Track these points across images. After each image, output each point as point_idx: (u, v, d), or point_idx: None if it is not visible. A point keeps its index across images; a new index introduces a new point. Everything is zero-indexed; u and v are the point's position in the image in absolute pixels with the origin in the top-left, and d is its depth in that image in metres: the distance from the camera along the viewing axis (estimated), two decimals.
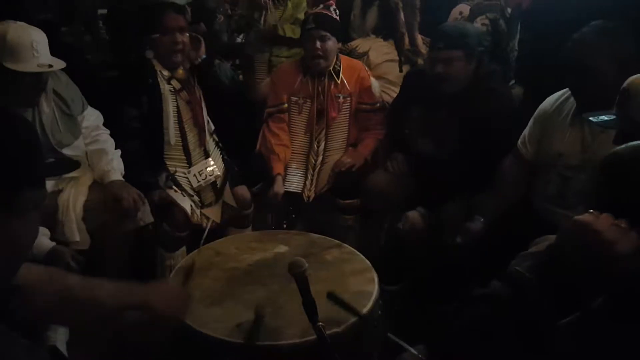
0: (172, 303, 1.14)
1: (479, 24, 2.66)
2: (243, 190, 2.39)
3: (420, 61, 2.78)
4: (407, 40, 2.81)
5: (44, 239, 1.75)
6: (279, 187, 2.39)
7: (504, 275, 1.47)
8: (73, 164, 1.92)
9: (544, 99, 1.96)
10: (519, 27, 2.86)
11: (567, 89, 1.87)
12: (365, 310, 1.43)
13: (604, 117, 1.44)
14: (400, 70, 2.76)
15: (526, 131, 1.99)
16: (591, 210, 0.88)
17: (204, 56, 2.32)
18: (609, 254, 0.84)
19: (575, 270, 0.93)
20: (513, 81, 2.67)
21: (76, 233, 1.90)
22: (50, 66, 1.82)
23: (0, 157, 0.67)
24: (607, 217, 0.86)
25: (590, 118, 1.48)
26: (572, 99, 1.85)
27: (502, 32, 2.87)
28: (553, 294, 1.04)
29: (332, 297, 1.28)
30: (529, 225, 1.77)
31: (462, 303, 1.66)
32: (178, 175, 2.26)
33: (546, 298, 1.11)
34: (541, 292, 1.09)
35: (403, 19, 2.78)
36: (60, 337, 1.80)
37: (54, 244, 1.78)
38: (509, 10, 2.89)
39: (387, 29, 2.84)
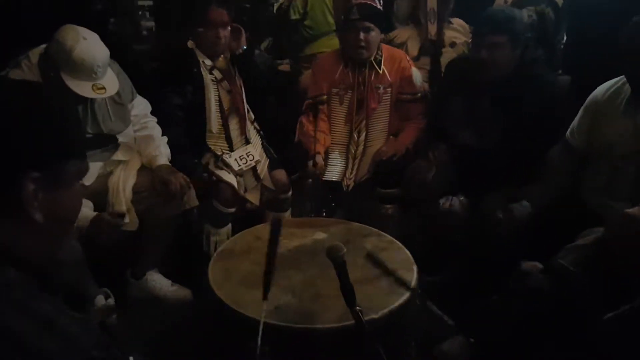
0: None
1: (525, 15, 2.55)
2: (281, 174, 2.42)
3: (445, 52, 2.65)
4: (432, 30, 2.67)
5: (86, 210, 1.82)
6: (319, 159, 2.36)
7: (548, 269, 1.43)
8: (110, 138, 1.99)
9: (592, 88, 1.88)
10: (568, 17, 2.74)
11: (619, 77, 1.80)
12: (402, 300, 1.43)
13: None
14: (416, 60, 2.65)
15: (575, 121, 1.91)
16: None
17: (244, 47, 2.35)
18: None
19: (622, 263, 0.90)
20: (560, 70, 2.57)
21: (126, 214, 1.97)
22: (104, 89, 1.87)
23: (48, 131, 0.71)
24: None
25: None
26: (625, 87, 1.77)
27: (550, 21, 2.74)
28: (599, 287, 1.00)
29: (371, 257, 1.24)
30: (576, 216, 1.71)
31: (504, 295, 1.62)
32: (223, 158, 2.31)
33: (591, 291, 1.07)
34: (586, 285, 1.06)
35: (431, 8, 2.64)
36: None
37: (96, 213, 1.85)
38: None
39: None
